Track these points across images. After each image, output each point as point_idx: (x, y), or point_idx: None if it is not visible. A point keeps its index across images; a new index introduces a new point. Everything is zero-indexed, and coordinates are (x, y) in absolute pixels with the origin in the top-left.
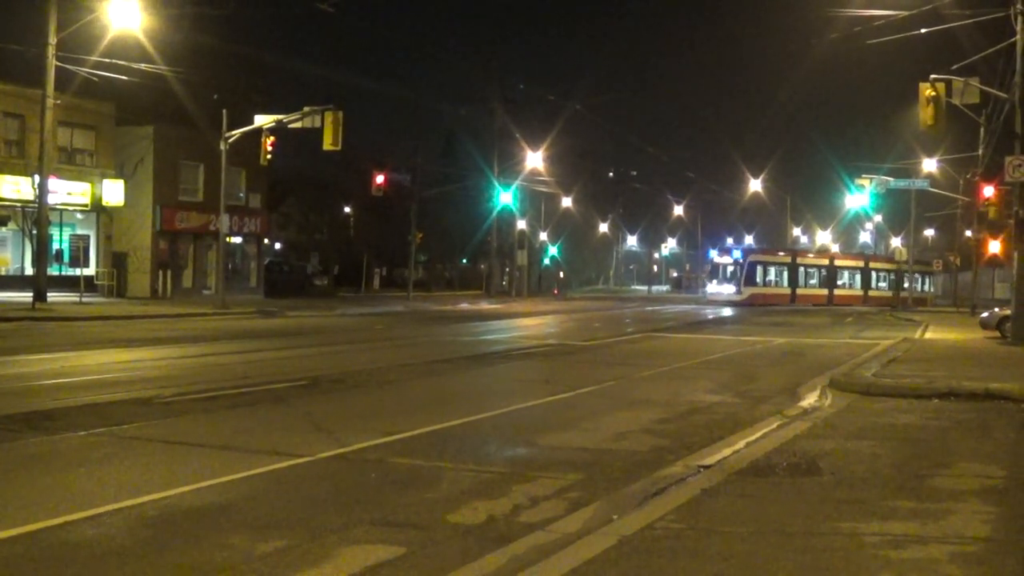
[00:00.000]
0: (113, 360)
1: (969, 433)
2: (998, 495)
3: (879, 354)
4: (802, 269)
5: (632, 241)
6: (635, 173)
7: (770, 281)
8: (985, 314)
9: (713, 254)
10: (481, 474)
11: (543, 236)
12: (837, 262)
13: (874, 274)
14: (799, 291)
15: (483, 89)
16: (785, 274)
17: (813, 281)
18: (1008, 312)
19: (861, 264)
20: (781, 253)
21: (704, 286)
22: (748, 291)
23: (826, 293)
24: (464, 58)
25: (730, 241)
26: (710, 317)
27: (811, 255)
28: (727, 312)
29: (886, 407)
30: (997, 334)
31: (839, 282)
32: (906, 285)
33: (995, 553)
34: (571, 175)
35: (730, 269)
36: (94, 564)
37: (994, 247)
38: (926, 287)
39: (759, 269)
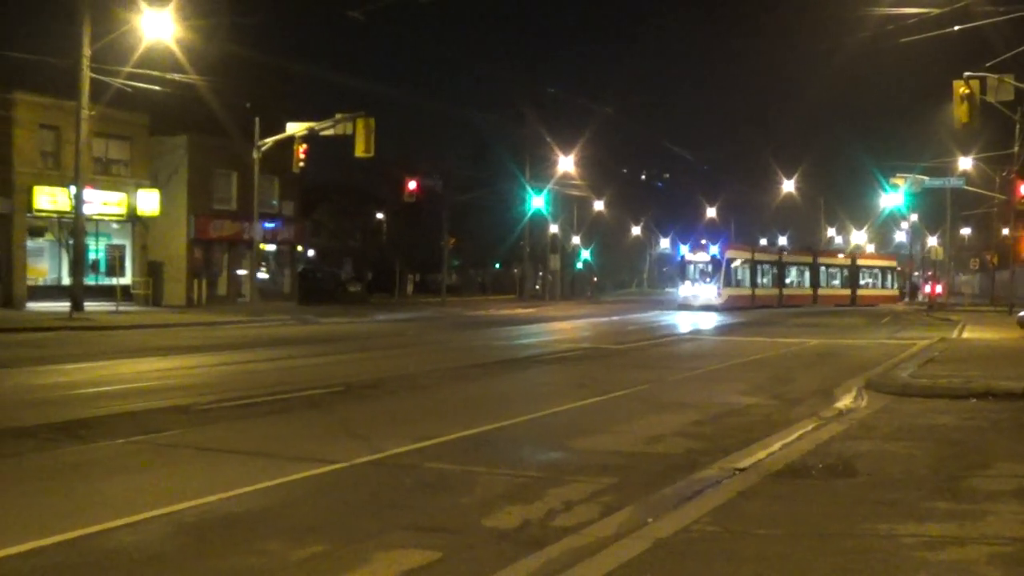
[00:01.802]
0: (150, 368)
1: (1007, 434)
2: None
3: (915, 354)
4: (788, 268)
5: (665, 244)
6: (667, 175)
7: (758, 282)
8: (1022, 313)
9: (684, 251)
10: (515, 478)
11: (576, 240)
12: (821, 260)
13: (864, 272)
14: (785, 291)
15: (514, 94)
16: (770, 274)
17: (793, 280)
18: None
19: (848, 263)
20: (761, 250)
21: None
22: (728, 292)
23: (811, 293)
24: (495, 63)
25: (774, 240)
26: (741, 320)
27: (794, 253)
28: (755, 316)
29: (923, 408)
30: None
31: (832, 281)
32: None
33: None
34: (603, 179)
35: (707, 268)
36: (133, 570)
37: None
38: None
39: (740, 268)
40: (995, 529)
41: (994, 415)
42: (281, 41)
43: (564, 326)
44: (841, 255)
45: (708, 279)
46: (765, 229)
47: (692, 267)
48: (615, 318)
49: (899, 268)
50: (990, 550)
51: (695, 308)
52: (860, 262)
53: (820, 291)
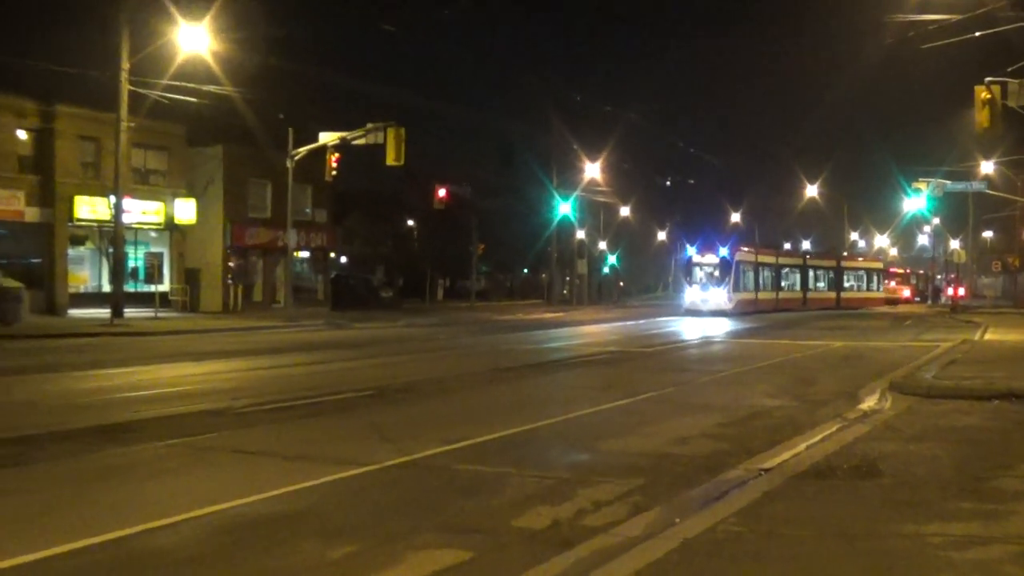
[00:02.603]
0: (187, 373)
1: None
2: None
3: (938, 356)
4: (778, 271)
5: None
6: (692, 182)
7: (762, 285)
8: None
9: (691, 251)
10: (544, 480)
11: (602, 245)
12: (811, 262)
13: (849, 273)
14: (785, 295)
15: (541, 102)
16: (770, 277)
17: (813, 284)
18: None
19: (834, 264)
20: (774, 253)
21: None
22: (738, 297)
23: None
24: (522, 72)
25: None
26: (761, 324)
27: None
28: (772, 319)
29: (946, 409)
30: None
31: (817, 284)
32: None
33: None
34: (629, 185)
35: (715, 271)
36: (172, 571)
37: None
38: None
39: (752, 272)
40: (1019, 529)
41: (1018, 416)
42: (314, 53)
43: (591, 330)
44: (861, 258)
45: (717, 283)
46: (789, 233)
47: (699, 269)
48: (641, 322)
49: (908, 271)
50: (1015, 549)
51: (704, 314)
52: (845, 264)
53: (810, 295)
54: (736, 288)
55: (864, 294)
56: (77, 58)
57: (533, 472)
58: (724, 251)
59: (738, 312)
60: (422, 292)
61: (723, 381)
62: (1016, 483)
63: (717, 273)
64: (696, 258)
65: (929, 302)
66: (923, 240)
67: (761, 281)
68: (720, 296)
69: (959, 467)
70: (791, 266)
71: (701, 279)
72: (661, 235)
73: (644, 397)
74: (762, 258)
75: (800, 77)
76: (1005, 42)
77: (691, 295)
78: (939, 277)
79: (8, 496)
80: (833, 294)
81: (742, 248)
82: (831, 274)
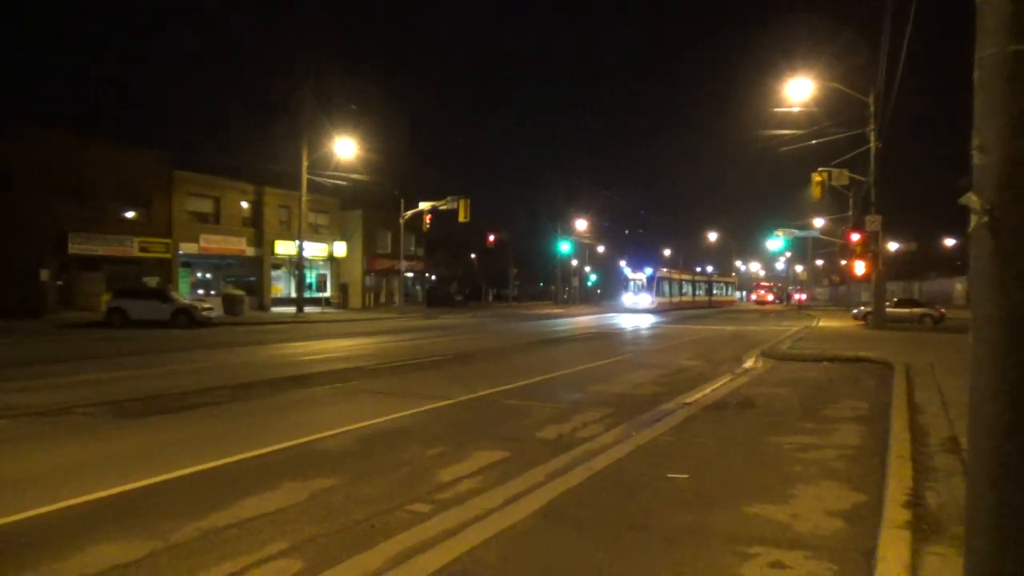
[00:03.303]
0: (340, 345)
1: (847, 382)
2: (865, 420)
3: (791, 335)
4: (687, 284)
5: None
6: (641, 231)
7: (671, 292)
8: (855, 310)
9: (627, 271)
10: (554, 408)
11: (587, 268)
12: (696, 278)
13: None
14: (688, 299)
15: (549, 180)
16: (677, 287)
17: (687, 292)
18: (869, 310)
19: (705, 280)
20: (682, 272)
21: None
22: (657, 300)
23: (707, 299)
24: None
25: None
26: (686, 315)
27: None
28: (692, 312)
29: (795, 367)
30: (863, 323)
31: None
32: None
33: (864, 454)
34: (604, 232)
35: (643, 283)
36: (335, 460)
37: (860, 269)
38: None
39: (664, 283)
40: (841, 439)
41: (838, 371)
42: (415, 150)
43: (579, 320)
44: (726, 276)
45: (644, 291)
46: (700, 260)
47: (632, 283)
48: (606, 315)
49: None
50: (838, 452)
51: (636, 311)
52: (714, 279)
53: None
54: (657, 294)
55: (725, 297)
56: (278, 159)
57: (547, 404)
58: (648, 270)
59: (657, 310)
60: (479, 297)
61: (660, 351)
62: (837, 412)
63: (644, 284)
64: (631, 275)
65: (784, 303)
66: (780, 265)
67: (671, 289)
68: (646, 299)
69: (803, 402)
70: (688, 280)
71: (634, 288)
72: (622, 262)
73: (612, 360)
74: (672, 275)
75: (706, 164)
76: (831, 145)
77: (627, 299)
78: (790, 288)
79: (235, 419)
80: (708, 298)
81: (660, 269)
82: (708, 286)
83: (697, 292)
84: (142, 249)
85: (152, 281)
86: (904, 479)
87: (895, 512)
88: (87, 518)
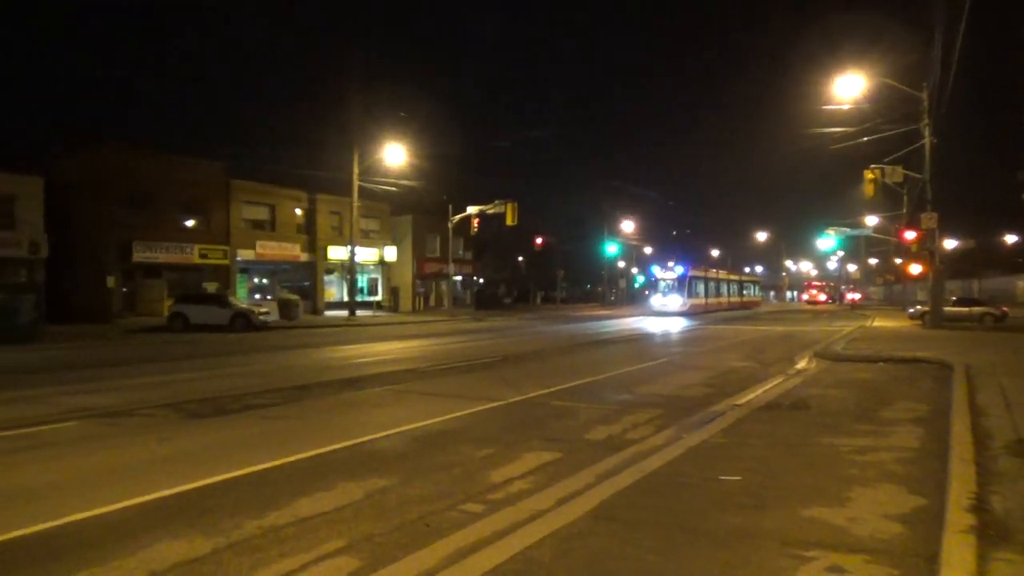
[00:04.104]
0: (392, 348)
1: (904, 383)
2: (923, 421)
3: (844, 336)
4: (722, 284)
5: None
6: (689, 231)
7: (706, 293)
8: (911, 310)
9: (656, 271)
10: (603, 410)
11: (634, 270)
12: (734, 277)
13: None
14: (721, 299)
15: (596, 183)
16: (712, 287)
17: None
18: (926, 309)
19: (736, 278)
20: (712, 270)
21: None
22: (690, 302)
23: (739, 300)
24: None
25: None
26: (729, 316)
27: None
28: (744, 313)
29: (850, 368)
30: (920, 322)
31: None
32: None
33: (923, 457)
34: (650, 234)
35: (673, 284)
36: (389, 460)
37: (915, 269)
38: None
39: (698, 284)
40: (898, 441)
41: (895, 372)
42: (462, 157)
43: (625, 322)
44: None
45: (675, 291)
46: (748, 261)
47: (662, 283)
48: (651, 317)
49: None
50: (895, 455)
51: (665, 314)
52: (744, 279)
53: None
54: (689, 295)
55: (751, 298)
56: (330, 166)
57: (596, 405)
58: (680, 269)
59: (689, 313)
60: (527, 299)
61: (707, 352)
62: (894, 413)
63: (675, 285)
64: (660, 275)
65: (837, 303)
66: (832, 264)
67: (706, 291)
68: (677, 301)
69: (858, 403)
70: (726, 280)
71: (664, 289)
72: (671, 264)
73: (660, 362)
74: (709, 274)
75: (756, 165)
76: (884, 142)
77: (656, 301)
78: (842, 287)
79: (290, 420)
80: (740, 298)
81: (693, 268)
82: (740, 286)
83: (733, 293)
84: (201, 256)
85: (211, 287)
86: (967, 482)
87: (958, 516)
88: (151, 516)
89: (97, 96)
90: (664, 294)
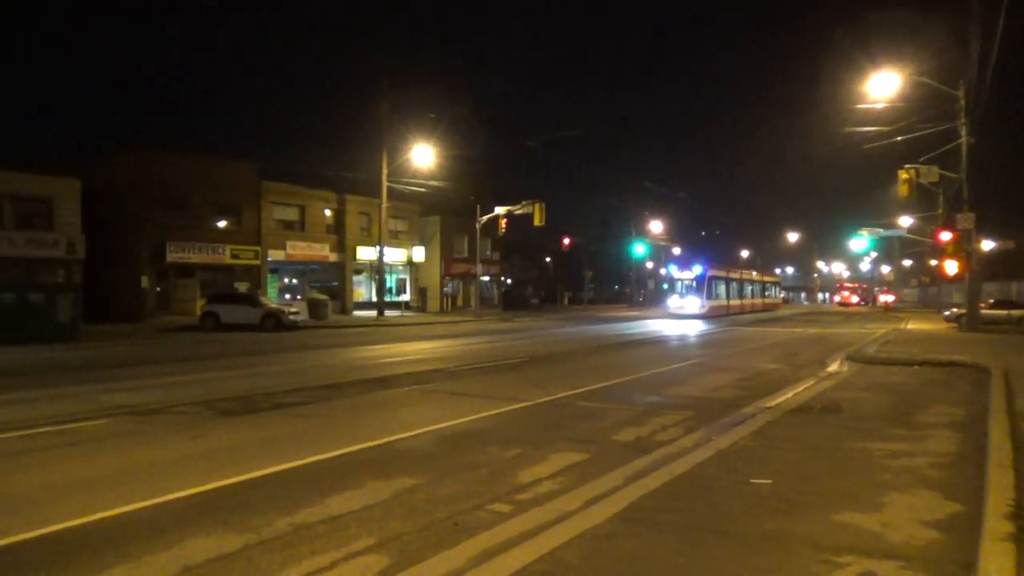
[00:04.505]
0: (419, 348)
1: (939, 387)
2: (960, 426)
3: (877, 338)
4: (743, 284)
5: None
6: (718, 233)
7: (727, 294)
8: (947, 312)
9: (673, 270)
10: (631, 411)
11: (663, 271)
12: (758, 277)
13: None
14: (743, 302)
15: (627, 183)
16: (734, 288)
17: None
18: (962, 311)
19: (758, 278)
20: (734, 270)
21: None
22: (709, 304)
23: (762, 303)
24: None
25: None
26: (760, 319)
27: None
28: (768, 316)
29: (884, 371)
30: (956, 325)
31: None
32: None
33: (959, 462)
34: (678, 234)
35: (691, 284)
36: (416, 460)
37: (951, 267)
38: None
39: (718, 284)
40: (933, 447)
41: (931, 375)
42: (490, 158)
43: (652, 323)
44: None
45: (693, 293)
46: (779, 262)
47: (679, 283)
48: (678, 320)
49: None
50: (930, 460)
51: (681, 317)
52: (765, 278)
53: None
54: (708, 297)
55: (771, 299)
56: (358, 166)
57: (624, 407)
58: (699, 268)
59: (709, 316)
60: (554, 300)
61: (737, 354)
62: (929, 417)
63: (693, 286)
64: (677, 274)
65: (870, 305)
66: (865, 266)
67: (727, 292)
68: (695, 303)
69: (892, 407)
70: (750, 280)
71: (681, 290)
72: (697, 265)
73: (689, 363)
74: (731, 274)
75: (788, 165)
76: (918, 141)
77: (672, 302)
78: (876, 289)
79: (320, 419)
80: (762, 300)
81: (713, 267)
82: (762, 286)
83: (756, 294)
84: (233, 256)
85: (243, 287)
86: (1005, 489)
87: (996, 523)
88: (182, 512)
89: (132, 100)
90: (681, 295)
